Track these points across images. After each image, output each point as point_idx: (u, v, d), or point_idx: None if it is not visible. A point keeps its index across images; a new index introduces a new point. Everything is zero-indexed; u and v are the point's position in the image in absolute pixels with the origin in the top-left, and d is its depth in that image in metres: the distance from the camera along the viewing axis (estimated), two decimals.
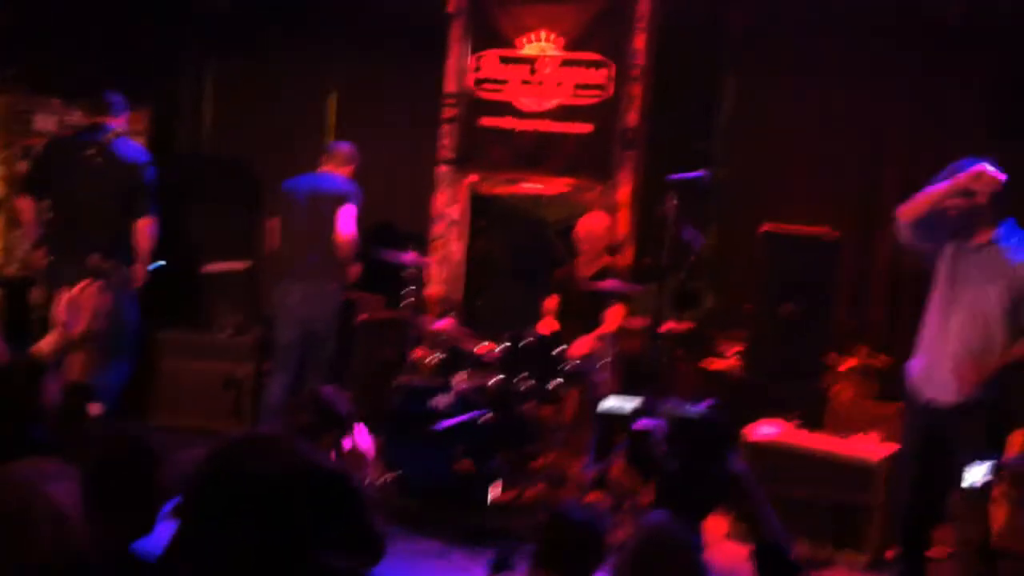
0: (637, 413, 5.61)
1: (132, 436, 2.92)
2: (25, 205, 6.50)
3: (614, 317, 6.56)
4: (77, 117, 7.89)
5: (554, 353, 6.23)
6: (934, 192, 4.78)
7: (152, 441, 2.90)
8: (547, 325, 6.82)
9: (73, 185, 6.32)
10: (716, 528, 4.84)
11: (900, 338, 7.03)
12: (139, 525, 2.75)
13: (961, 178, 4.72)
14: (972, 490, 4.39)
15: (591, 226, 6.92)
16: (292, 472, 2.38)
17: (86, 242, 6.17)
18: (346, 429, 4.44)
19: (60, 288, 6.10)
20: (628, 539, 3.02)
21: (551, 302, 6.95)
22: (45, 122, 8.02)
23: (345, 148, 7.09)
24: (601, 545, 3.44)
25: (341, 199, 6.79)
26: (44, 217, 6.45)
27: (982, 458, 4.30)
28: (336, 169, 6.96)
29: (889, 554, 5.40)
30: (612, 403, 5.82)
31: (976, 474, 4.28)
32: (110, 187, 6.31)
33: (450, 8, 8.04)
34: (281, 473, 2.36)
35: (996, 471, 4.32)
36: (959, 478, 4.56)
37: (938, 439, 4.77)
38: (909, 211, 4.86)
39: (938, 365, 4.82)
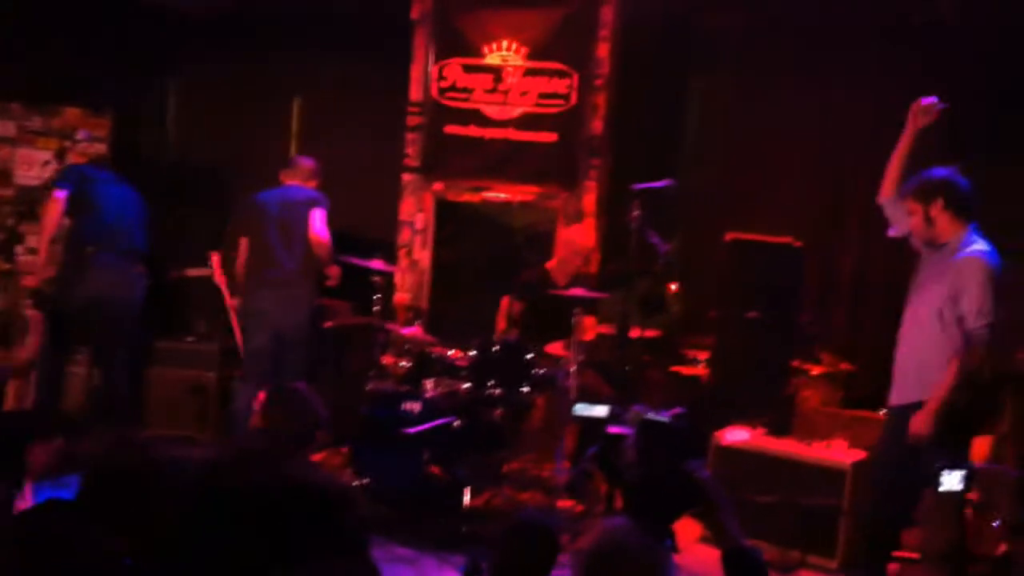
0: (606, 419, 5.64)
1: (136, 444, 2.90)
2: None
3: (585, 325, 6.57)
4: (38, 122, 7.89)
5: (523, 359, 6.24)
6: (894, 155, 4.95)
7: (155, 450, 2.89)
8: (506, 328, 6.85)
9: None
10: (688, 532, 4.87)
11: (863, 345, 7.15)
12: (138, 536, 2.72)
13: (909, 124, 4.90)
14: (945, 495, 4.44)
15: (573, 237, 6.98)
16: (284, 487, 2.41)
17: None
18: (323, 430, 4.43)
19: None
20: (586, 542, 3.03)
21: (515, 306, 6.96)
22: (5, 128, 7.95)
23: (308, 163, 7.05)
24: (556, 547, 3.46)
25: (311, 203, 6.76)
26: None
27: (956, 464, 4.35)
28: (302, 183, 6.94)
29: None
30: (582, 409, 5.84)
31: (951, 480, 4.32)
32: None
33: (414, 15, 8.04)
34: (273, 488, 2.38)
35: (969, 478, 4.36)
36: (923, 481, 4.60)
37: (903, 442, 4.83)
38: (885, 188, 5.00)
39: (895, 368, 4.95)
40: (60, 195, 6.67)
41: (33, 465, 3.82)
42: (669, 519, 3.85)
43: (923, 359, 4.75)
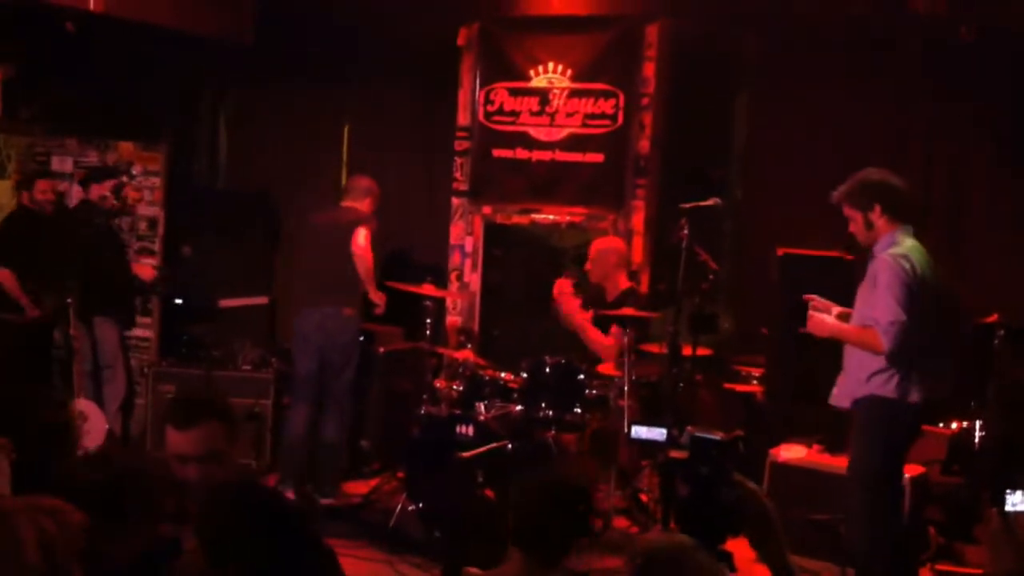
0: (662, 441, 5.62)
1: (130, 468, 3.10)
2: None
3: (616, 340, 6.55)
4: (93, 157, 8.02)
5: (575, 380, 6.24)
6: None
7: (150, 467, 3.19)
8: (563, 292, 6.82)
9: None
10: (745, 553, 4.83)
11: None
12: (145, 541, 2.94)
13: None
14: (1010, 515, 4.39)
15: (601, 245, 6.97)
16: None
17: None
18: None
19: None
20: (631, 558, 3.03)
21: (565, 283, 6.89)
22: (62, 163, 8.08)
23: (359, 181, 7.04)
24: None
25: (355, 222, 6.74)
26: None
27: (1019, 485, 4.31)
28: (355, 203, 6.94)
29: None
30: (639, 432, 5.83)
31: (1017, 500, 4.27)
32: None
33: (460, 41, 8.10)
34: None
35: None
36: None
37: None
38: None
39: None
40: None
41: None
42: (719, 537, 3.84)
43: (860, 359, 4.86)
